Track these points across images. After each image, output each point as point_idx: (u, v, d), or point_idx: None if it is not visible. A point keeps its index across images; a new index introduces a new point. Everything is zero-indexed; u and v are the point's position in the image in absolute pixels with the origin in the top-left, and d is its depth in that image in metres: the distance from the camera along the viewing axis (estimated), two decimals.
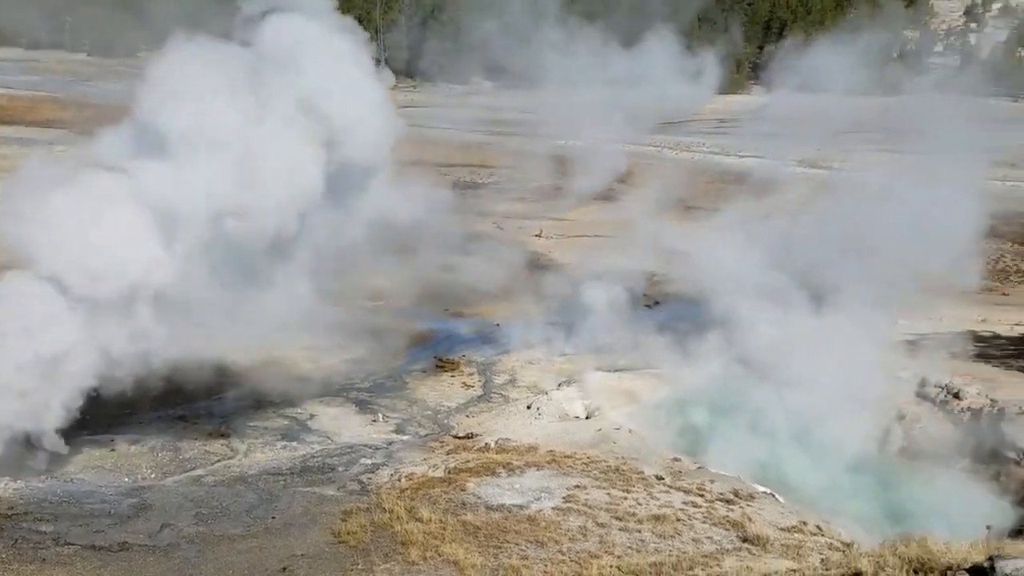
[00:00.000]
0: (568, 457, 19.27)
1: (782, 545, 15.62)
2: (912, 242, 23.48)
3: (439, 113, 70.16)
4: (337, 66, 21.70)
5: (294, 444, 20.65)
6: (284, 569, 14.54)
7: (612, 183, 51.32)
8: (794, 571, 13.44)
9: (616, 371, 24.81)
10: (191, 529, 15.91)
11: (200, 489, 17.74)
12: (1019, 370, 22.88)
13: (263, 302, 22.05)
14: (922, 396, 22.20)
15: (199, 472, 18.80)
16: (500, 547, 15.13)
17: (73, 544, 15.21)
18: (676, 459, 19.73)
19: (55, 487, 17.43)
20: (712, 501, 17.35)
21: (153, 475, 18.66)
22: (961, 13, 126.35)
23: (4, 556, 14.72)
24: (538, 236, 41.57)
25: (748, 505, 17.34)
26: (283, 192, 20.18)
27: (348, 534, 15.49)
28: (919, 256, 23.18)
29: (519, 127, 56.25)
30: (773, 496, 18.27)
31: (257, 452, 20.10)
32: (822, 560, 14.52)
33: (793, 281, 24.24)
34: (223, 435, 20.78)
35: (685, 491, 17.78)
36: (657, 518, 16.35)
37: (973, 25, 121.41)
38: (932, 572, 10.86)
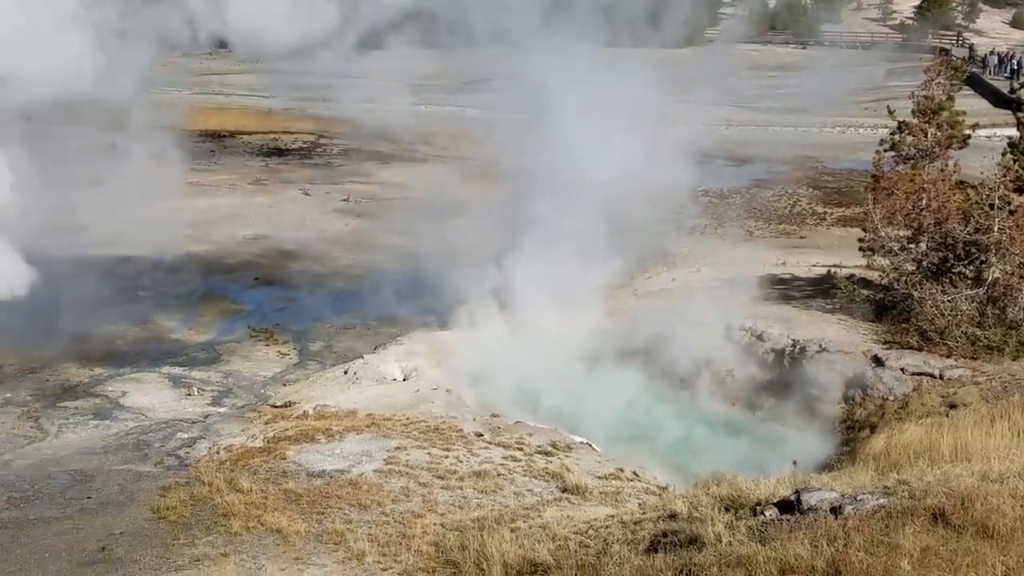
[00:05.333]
0: (387, 420, 19.23)
1: (601, 493, 15.98)
2: None
3: (236, 80, 68.72)
4: None
5: (107, 423, 20.01)
6: (103, 548, 14.15)
7: (417, 144, 51.57)
8: (612, 516, 13.81)
9: (431, 331, 24.87)
10: (3, 514, 15.27)
11: (10, 473, 17.01)
12: (817, 310, 23.89)
13: None
14: (728, 340, 22.98)
15: (8, 456, 18.01)
16: (323, 513, 15.04)
17: None
18: (495, 415, 19.93)
19: None
20: (531, 455, 17.59)
21: None
22: None
23: None
24: (346, 201, 41.22)
25: (566, 456, 17.66)
26: None
27: (168, 509, 15.14)
28: None
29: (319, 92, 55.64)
30: (590, 446, 18.69)
31: (68, 432, 19.43)
32: (639, 504, 15.00)
33: None
34: (32, 417, 20.00)
35: (504, 446, 17.98)
36: (478, 474, 16.49)
37: None
38: (743, 508, 11.35)
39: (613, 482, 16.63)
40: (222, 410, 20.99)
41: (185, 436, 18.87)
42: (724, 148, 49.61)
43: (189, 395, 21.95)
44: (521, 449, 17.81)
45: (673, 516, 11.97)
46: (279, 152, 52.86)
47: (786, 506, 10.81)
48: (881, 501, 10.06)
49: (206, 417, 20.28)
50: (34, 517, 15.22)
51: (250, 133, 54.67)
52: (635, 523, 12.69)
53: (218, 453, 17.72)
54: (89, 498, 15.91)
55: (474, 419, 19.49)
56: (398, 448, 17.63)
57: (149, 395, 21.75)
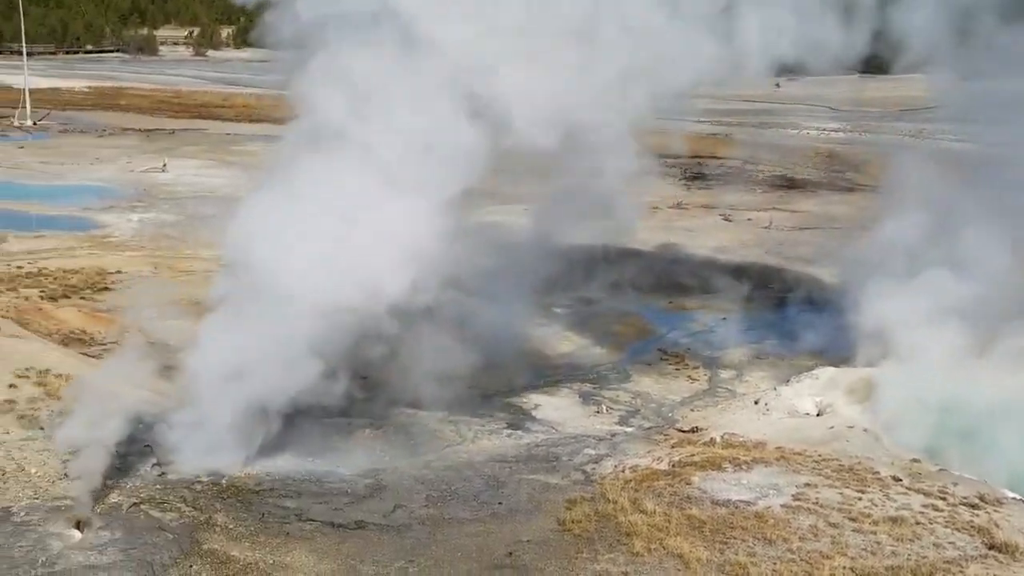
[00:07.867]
0: (798, 454, 18.57)
1: None
2: None
3: None
4: None
5: (519, 433, 20.70)
6: (510, 554, 14.63)
7: (848, 173, 49.88)
8: None
9: (849, 366, 23.72)
10: (422, 511, 16.29)
11: (430, 473, 18.04)
12: None
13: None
14: None
15: (429, 456, 19.05)
16: (726, 543, 14.76)
17: (314, 520, 15.87)
18: (915, 460, 18.67)
19: (298, 465, 18.02)
20: (955, 505, 16.34)
21: (387, 458, 18.97)
22: None
23: (252, 529, 15.51)
24: (767, 228, 40.60)
25: (995, 511, 16.22)
26: None
27: (573, 523, 15.47)
28: None
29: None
30: None
31: (483, 439, 20.22)
32: None
33: None
34: (451, 421, 20.98)
35: (925, 494, 16.81)
36: (894, 520, 15.55)
37: None
38: None
39: None
40: (629, 430, 21.14)
41: (592, 452, 19.18)
42: None
43: (598, 412, 22.28)
44: (944, 498, 16.58)
45: None
46: (702, 177, 52.99)
47: None
48: None
49: (613, 435, 20.51)
50: (449, 516, 16.08)
51: (675, 157, 54.93)
52: None
53: (623, 472, 17.83)
54: (500, 504, 16.55)
55: (892, 462, 18.39)
56: (808, 485, 16.98)
57: (560, 409, 22.28)
